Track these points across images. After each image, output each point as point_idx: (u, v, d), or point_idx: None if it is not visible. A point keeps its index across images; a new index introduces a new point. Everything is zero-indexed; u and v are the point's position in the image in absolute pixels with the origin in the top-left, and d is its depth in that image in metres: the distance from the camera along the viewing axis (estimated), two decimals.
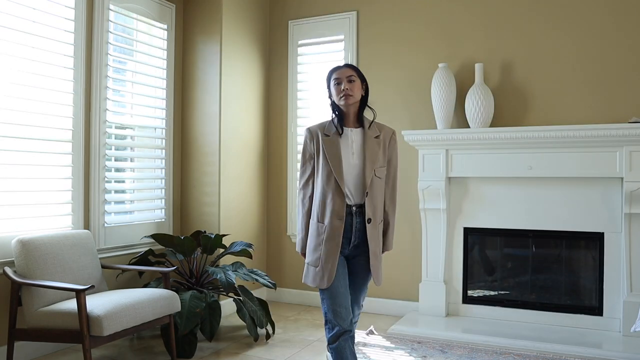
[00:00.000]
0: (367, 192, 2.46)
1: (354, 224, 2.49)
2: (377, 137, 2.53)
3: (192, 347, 3.38)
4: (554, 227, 3.95)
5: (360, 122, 2.57)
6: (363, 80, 2.58)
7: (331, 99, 2.58)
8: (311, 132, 2.57)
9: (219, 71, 4.32)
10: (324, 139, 2.51)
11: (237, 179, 4.54)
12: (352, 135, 2.53)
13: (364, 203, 2.46)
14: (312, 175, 2.56)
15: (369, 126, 2.54)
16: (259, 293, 4.69)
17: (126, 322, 2.84)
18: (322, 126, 2.57)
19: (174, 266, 3.64)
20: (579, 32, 3.93)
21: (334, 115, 2.58)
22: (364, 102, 2.58)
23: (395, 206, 2.66)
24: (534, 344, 3.51)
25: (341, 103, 2.51)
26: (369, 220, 2.47)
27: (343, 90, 2.49)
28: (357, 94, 2.52)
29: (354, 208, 2.48)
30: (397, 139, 2.63)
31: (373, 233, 2.50)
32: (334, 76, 2.55)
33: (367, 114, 2.61)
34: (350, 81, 2.50)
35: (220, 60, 4.32)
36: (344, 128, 2.54)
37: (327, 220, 2.46)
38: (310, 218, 2.57)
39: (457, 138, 4.02)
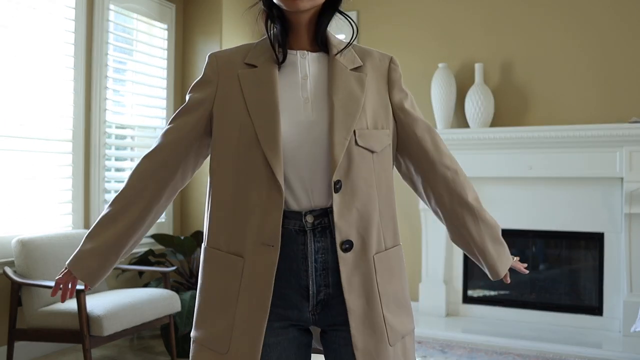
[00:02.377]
0: (337, 182, 1.15)
1: (312, 253, 1.18)
2: (356, 68, 1.26)
3: None
4: (554, 227, 3.94)
5: (321, 42, 1.27)
6: None
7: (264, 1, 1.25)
8: (217, 61, 1.26)
9: None
10: (243, 74, 1.22)
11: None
12: (307, 65, 1.25)
13: (331, 207, 1.16)
14: (187, 141, 1.27)
15: (342, 50, 1.26)
16: None
17: (126, 322, 2.84)
18: (245, 50, 1.28)
19: (174, 266, 3.64)
20: (579, 32, 3.93)
21: (271, 27, 1.26)
22: (331, 6, 1.29)
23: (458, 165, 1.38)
24: (534, 344, 3.51)
25: (283, 6, 1.20)
26: (347, 247, 1.16)
27: None
28: None
29: (307, 218, 1.17)
30: (401, 71, 1.33)
31: (360, 273, 1.18)
32: None
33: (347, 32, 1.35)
34: None
35: None
36: (289, 52, 1.25)
37: (245, 248, 1.16)
38: (117, 210, 1.26)
39: (457, 138, 4.02)
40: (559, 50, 3.98)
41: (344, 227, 1.15)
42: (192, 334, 1.23)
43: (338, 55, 1.25)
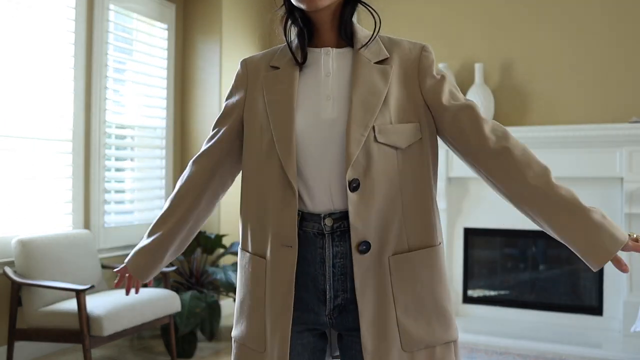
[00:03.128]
0: (353, 181, 1.11)
1: (330, 257, 1.15)
2: (382, 61, 1.21)
3: (192, 347, 3.38)
4: None
5: (347, 37, 1.25)
6: None
7: (287, 2, 1.25)
8: (246, 66, 1.28)
9: (219, 71, 4.32)
10: (266, 77, 1.23)
11: (237, 179, 4.53)
12: (330, 61, 1.22)
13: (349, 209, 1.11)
14: (223, 147, 1.31)
15: (367, 42, 1.23)
16: None
17: (126, 322, 2.84)
18: (272, 53, 1.29)
19: (174, 266, 3.64)
20: (579, 32, 3.93)
21: (293, 33, 1.25)
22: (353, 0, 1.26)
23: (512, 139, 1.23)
24: (534, 344, 3.51)
25: (302, 6, 1.18)
26: (364, 248, 1.12)
27: None
28: None
29: (326, 222, 1.14)
30: (433, 58, 1.29)
31: (374, 275, 1.13)
32: None
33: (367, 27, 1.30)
34: None
35: (220, 60, 4.32)
36: (312, 50, 1.24)
37: (266, 248, 1.18)
38: (166, 212, 1.32)
39: None
40: (559, 50, 3.98)
41: (361, 228, 1.11)
42: (233, 333, 1.26)
43: (363, 48, 1.21)
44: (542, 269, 4.10)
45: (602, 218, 1.13)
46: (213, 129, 1.32)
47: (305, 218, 1.15)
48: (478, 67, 4.04)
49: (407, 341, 1.12)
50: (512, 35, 4.12)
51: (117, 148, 3.96)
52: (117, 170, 3.97)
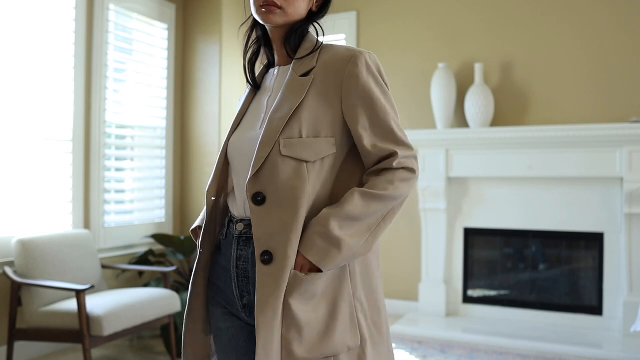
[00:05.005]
0: (257, 194, 1.16)
1: (234, 259, 1.25)
2: (306, 73, 1.20)
3: None
4: (554, 227, 3.95)
5: (292, 52, 1.27)
6: None
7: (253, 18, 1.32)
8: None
9: (219, 71, 4.32)
10: (240, 100, 1.38)
11: None
12: (273, 81, 1.30)
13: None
14: None
15: (305, 55, 1.23)
16: None
17: (126, 322, 2.84)
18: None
19: (174, 266, 3.64)
20: (579, 31, 3.93)
21: (248, 50, 1.36)
22: (308, 20, 1.28)
23: (384, 189, 1.18)
24: (534, 344, 3.51)
25: (260, 19, 1.24)
26: (266, 258, 1.14)
27: None
28: (297, 6, 1.22)
29: (237, 226, 1.25)
30: (368, 69, 1.20)
31: (272, 287, 1.13)
32: None
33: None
34: None
35: (220, 60, 4.32)
36: (270, 71, 1.33)
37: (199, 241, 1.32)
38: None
39: (457, 138, 4.02)
40: (559, 50, 3.98)
41: (263, 238, 1.14)
42: None
43: (298, 62, 1.22)
44: (542, 269, 4.10)
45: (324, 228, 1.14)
46: None
47: (231, 220, 1.27)
48: (478, 67, 4.04)
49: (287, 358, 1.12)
50: (512, 35, 4.12)
51: (117, 148, 3.96)
52: (117, 170, 3.97)
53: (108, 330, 2.73)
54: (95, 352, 3.41)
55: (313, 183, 1.16)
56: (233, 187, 1.28)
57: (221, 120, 4.31)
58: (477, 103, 3.97)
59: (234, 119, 1.32)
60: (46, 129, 3.39)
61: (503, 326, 3.90)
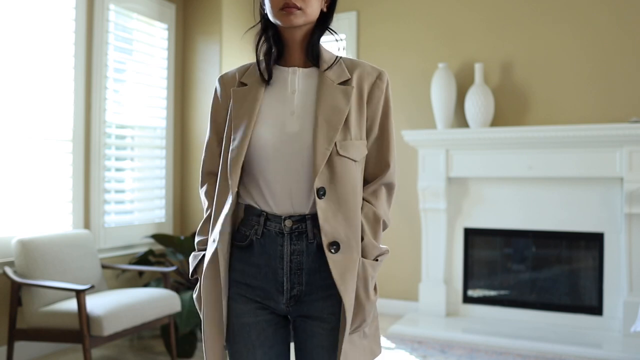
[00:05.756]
0: (320, 189, 1.26)
1: (287, 254, 1.31)
2: (344, 82, 1.34)
3: (192, 347, 3.38)
4: (554, 227, 3.95)
5: (313, 58, 1.38)
6: None
7: (263, 17, 1.39)
8: (223, 82, 1.43)
9: (219, 71, 4.32)
10: (235, 92, 1.38)
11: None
12: (296, 80, 1.36)
13: (315, 213, 1.28)
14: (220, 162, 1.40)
15: (332, 65, 1.36)
16: None
17: (126, 322, 2.84)
18: (244, 69, 1.43)
19: (174, 266, 3.64)
20: (579, 31, 3.93)
21: (260, 48, 1.38)
22: (323, 22, 1.42)
23: (387, 194, 1.41)
24: (534, 344, 3.51)
25: (279, 22, 1.32)
26: (335, 248, 1.26)
27: None
28: (314, 6, 1.35)
29: (286, 223, 1.30)
30: (388, 87, 1.40)
31: (350, 270, 1.26)
32: None
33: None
34: None
35: (220, 60, 4.32)
36: (281, 69, 1.38)
37: (211, 237, 1.34)
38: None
39: (457, 138, 4.02)
40: (559, 50, 3.98)
41: (330, 230, 1.25)
42: None
43: (328, 70, 1.35)
44: (542, 269, 4.10)
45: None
46: (206, 148, 1.47)
47: (269, 218, 1.32)
48: (478, 67, 4.04)
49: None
50: (512, 35, 4.12)
51: (117, 148, 3.96)
52: (117, 170, 3.97)
53: (108, 330, 2.73)
54: (95, 352, 3.41)
55: (360, 179, 1.34)
56: (256, 184, 1.33)
57: None
58: (477, 103, 3.97)
59: (238, 112, 1.34)
60: (46, 129, 3.39)
61: (503, 326, 3.90)
